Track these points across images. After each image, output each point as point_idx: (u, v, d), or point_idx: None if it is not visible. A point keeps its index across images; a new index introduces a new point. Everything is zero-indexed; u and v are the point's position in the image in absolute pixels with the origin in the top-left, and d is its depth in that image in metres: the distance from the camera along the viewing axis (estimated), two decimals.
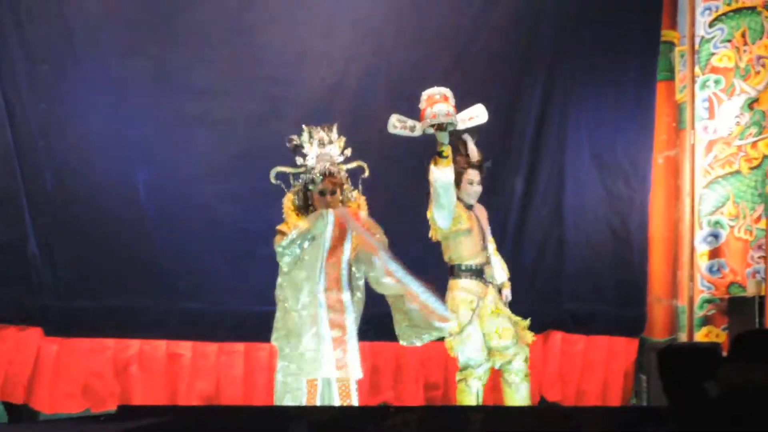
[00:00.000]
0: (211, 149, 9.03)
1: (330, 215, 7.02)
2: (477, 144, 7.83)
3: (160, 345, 8.80)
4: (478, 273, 7.78)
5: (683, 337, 9.63)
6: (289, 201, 7.24)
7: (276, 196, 8.47)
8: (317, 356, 6.88)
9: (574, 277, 9.58)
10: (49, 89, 8.71)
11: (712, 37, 9.71)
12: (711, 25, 9.73)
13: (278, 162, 8.68)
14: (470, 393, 7.66)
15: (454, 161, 7.51)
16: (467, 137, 7.78)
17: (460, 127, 7.39)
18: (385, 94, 9.23)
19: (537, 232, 9.58)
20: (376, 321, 8.37)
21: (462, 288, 7.75)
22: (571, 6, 9.68)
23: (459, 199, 7.71)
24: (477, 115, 7.43)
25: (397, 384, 9.21)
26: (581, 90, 9.72)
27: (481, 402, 7.66)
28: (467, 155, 7.78)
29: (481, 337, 7.70)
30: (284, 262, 7.04)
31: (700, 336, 9.56)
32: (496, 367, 7.80)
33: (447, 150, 7.29)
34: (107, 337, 8.70)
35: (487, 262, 7.83)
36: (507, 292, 7.98)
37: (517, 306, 8.15)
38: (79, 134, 8.75)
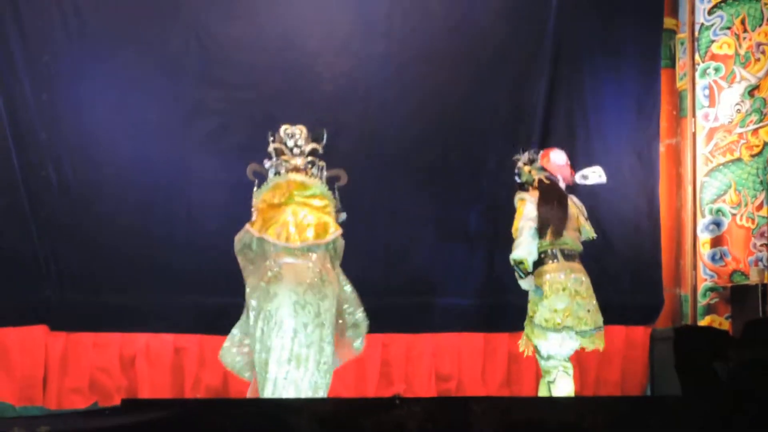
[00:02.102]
0: (212, 138, 9.00)
1: None
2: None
3: (166, 339, 8.80)
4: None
5: None
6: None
7: None
8: None
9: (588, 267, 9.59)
10: (50, 80, 8.64)
11: (712, 25, 9.72)
12: (710, 12, 9.73)
13: None
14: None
15: None
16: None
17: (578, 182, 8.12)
18: (390, 82, 9.26)
19: None
20: (387, 311, 8.45)
21: None
22: None
23: None
24: (590, 176, 8.17)
25: (409, 376, 9.22)
26: (587, 78, 9.75)
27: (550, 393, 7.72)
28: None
29: None
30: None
31: (703, 325, 9.56)
32: None
33: None
34: (113, 332, 8.69)
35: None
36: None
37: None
38: (82, 126, 8.69)
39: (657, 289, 9.77)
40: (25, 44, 8.58)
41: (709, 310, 9.60)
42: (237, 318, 8.65)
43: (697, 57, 9.76)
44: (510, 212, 8.00)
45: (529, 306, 7.74)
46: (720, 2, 9.73)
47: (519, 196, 7.87)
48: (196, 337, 8.84)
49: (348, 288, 7.32)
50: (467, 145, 9.13)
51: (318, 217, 7.20)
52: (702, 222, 9.69)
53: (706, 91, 9.72)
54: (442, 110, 9.17)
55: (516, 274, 7.74)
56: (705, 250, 9.65)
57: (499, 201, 8.80)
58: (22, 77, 8.57)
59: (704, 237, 9.68)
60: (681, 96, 9.91)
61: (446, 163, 9.17)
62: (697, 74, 9.76)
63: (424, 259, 9.09)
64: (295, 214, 7.20)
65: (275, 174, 7.39)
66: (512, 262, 7.73)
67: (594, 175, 8.01)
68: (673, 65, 9.98)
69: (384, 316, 8.80)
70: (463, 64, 9.41)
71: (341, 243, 7.27)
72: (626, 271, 9.64)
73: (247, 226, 7.30)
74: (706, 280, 9.64)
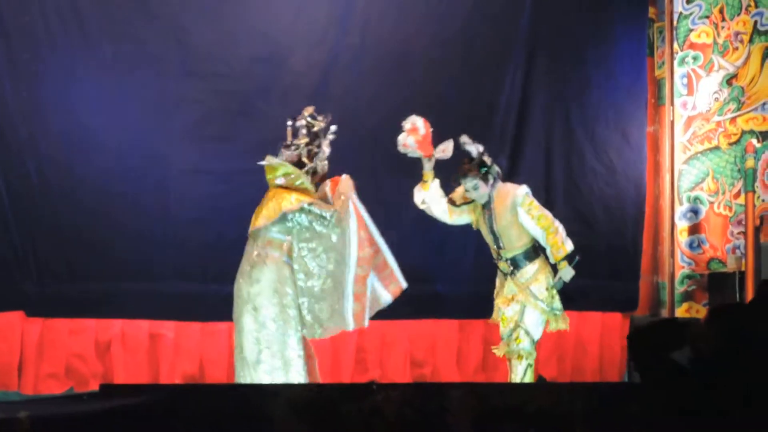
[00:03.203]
0: (191, 130, 8.98)
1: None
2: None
3: (142, 325, 8.79)
4: (496, 266, 7.93)
5: (664, 313, 9.67)
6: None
7: (253, 175, 8.53)
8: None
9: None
10: (30, 77, 8.63)
11: (690, 13, 9.74)
12: (689, 1, 9.75)
13: (261, 143, 8.77)
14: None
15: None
16: (463, 142, 7.87)
17: (437, 156, 7.84)
18: (367, 75, 9.25)
19: None
20: None
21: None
22: None
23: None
24: (447, 149, 7.86)
25: (384, 362, 9.23)
26: (567, 65, 9.76)
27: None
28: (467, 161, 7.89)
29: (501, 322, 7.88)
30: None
31: (681, 312, 9.60)
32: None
33: (424, 174, 7.85)
34: (88, 318, 8.68)
35: (499, 257, 7.85)
36: (561, 273, 7.76)
37: None
38: (61, 120, 8.68)
39: (635, 277, 9.80)
40: (5, 41, 8.56)
41: (687, 297, 9.64)
42: (213, 305, 8.71)
43: (675, 45, 9.78)
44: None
45: (547, 293, 7.75)
46: None
47: (524, 190, 7.75)
48: (171, 324, 8.84)
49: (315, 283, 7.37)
50: (443, 137, 9.11)
51: (277, 199, 7.23)
52: (680, 210, 9.72)
53: (685, 80, 9.74)
54: (420, 102, 9.12)
55: (572, 266, 7.74)
56: (683, 238, 9.69)
57: None
58: (2, 73, 8.54)
59: (682, 224, 9.71)
60: (659, 84, 9.95)
61: None
62: (675, 63, 9.78)
63: (399, 247, 9.07)
64: (264, 202, 7.29)
65: None
66: (567, 253, 7.73)
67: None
68: (651, 54, 10.01)
69: None
70: (439, 57, 9.41)
71: (316, 212, 7.25)
72: (605, 258, 9.67)
73: None
74: (683, 267, 9.68)
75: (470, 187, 7.76)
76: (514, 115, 9.59)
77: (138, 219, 8.81)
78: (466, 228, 8.92)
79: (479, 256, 8.80)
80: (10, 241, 8.54)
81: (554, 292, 7.76)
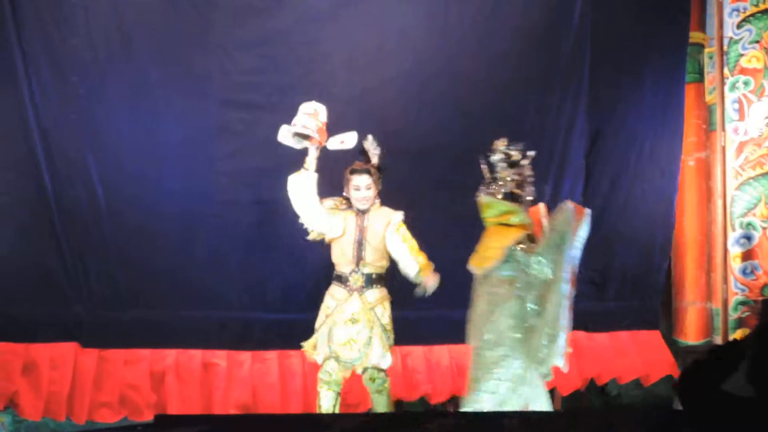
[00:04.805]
0: (238, 158, 9.02)
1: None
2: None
3: (195, 355, 8.82)
4: (344, 280, 7.81)
5: (718, 340, 9.62)
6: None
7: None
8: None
9: (594, 277, 9.62)
10: (79, 100, 8.69)
11: (741, 38, 9.70)
12: (739, 26, 9.72)
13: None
14: (320, 398, 7.79)
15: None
16: (368, 141, 7.95)
17: (330, 147, 7.77)
18: (411, 102, 9.24)
19: None
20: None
21: (329, 293, 7.88)
22: (598, 11, 9.65)
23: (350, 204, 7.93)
24: (346, 140, 7.81)
25: (431, 382, 9.22)
26: (608, 94, 9.72)
27: (336, 409, 7.76)
28: (366, 159, 7.95)
29: (327, 344, 7.76)
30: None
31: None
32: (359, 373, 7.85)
33: (306, 162, 7.69)
34: (143, 348, 8.73)
35: (356, 269, 7.79)
36: (425, 279, 7.83)
37: None
38: (111, 145, 8.75)
39: (656, 296, 9.87)
40: (53, 64, 8.64)
41: (741, 323, 9.57)
42: (263, 333, 8.75)
43: (726, 71, 9.74)
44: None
45: (389, 321, 7.89)
46: (749, 16, 9.70)
47: (401, 216, 7.95)
48: (224, 353, 8.86)
49: None
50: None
51: (499, 238, 7.40)
52: (732, 236, 9.65)
53: (736, 105, 9.69)
54: (464, 127, 9.12)
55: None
56: (736, 264, 9.62)
57: None
58: (51, 96, 8.63)
59: (735, 251, 9.64)
60: (710, 110, 9.89)
61: (465, 177, 9.07)
62: (726, 88, 9.73)
63: (446, 271, 8.93)
64: (484, 241, 7.48)
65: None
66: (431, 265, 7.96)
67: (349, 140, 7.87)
68: (702, 79, 9.96)
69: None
70: (485, 81, 9.39)
71: None
72: (631, 282, 9.72)
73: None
74: (737, 293, 9.61)
75: (365, 184, 7.80)
76: (559, 142, 9.58)
77: (189, 246, 8.88)
78: None
79: None
80: (63, 270, 8.63)
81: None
